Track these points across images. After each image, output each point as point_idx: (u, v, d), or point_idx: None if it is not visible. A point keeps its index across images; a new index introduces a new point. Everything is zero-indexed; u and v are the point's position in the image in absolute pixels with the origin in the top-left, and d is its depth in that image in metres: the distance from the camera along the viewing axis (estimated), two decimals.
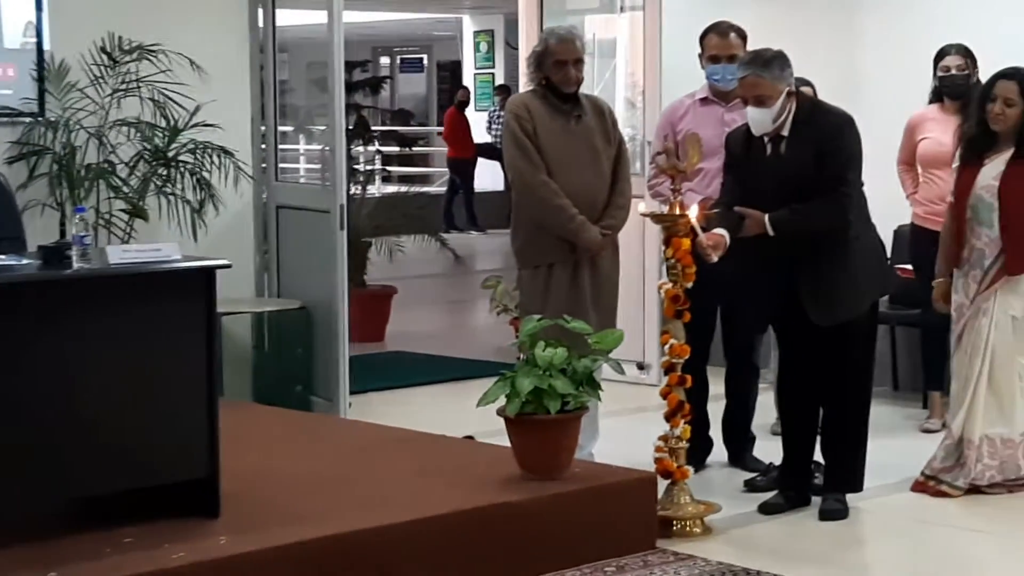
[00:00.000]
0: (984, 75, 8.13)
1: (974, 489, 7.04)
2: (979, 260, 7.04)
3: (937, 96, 8.44)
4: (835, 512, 6.74)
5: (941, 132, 8.26)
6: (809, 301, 6.64)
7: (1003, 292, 6.98)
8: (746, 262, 6.73)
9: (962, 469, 7.04)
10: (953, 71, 8.27)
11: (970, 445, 7.03)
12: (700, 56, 7.59)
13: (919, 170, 8.43)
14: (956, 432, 7.11)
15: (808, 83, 8.14)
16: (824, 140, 6.61)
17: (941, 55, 8.32)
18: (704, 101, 7.58)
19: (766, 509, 6.81)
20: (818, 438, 6.91)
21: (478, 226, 21.56)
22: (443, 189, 24.07)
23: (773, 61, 6.60)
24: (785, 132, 6.64)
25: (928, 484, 7.12)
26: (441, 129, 29.10)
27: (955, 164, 7.23)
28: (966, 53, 8.28)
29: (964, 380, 7.11)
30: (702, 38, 7.59)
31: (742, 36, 7.53)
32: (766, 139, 6.68)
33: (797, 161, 6.60)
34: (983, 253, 7.01)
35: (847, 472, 6.83)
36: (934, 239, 8.18)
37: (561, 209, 7.03)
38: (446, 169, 26.42)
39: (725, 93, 7.51)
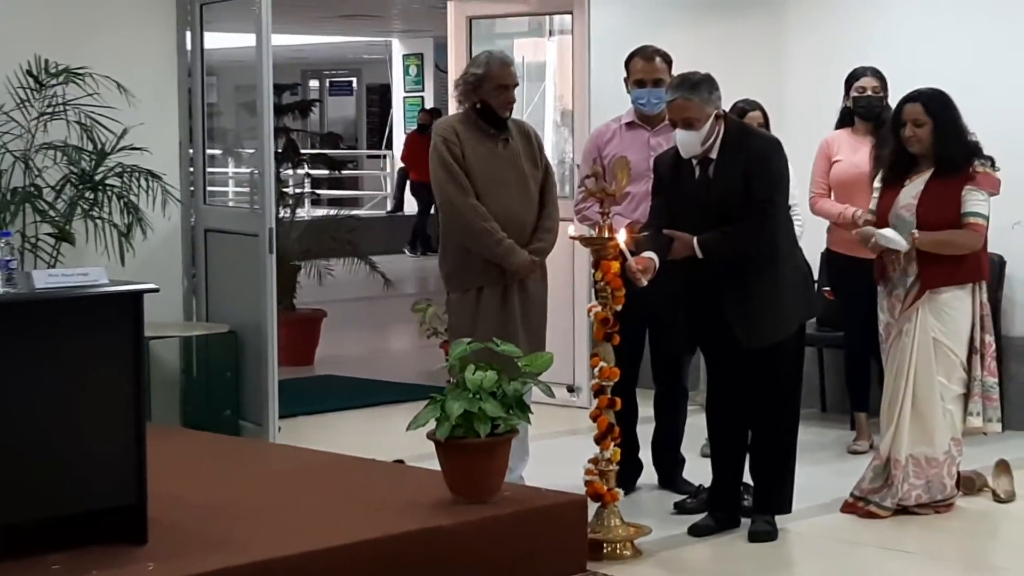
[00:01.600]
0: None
1: (902, 510, 7.08)
2: (901, 280, 7.10)
3: (846, 119, 8.51)
4: (764, 534, 6.76)
5: (853, 154, 8.34)
6: (736, 323, 6.68)
7: (923, 312, 7.03)
8: (673, 284, 6.75)
9: (890, 489, 7.08)
10: (869, 92, 8.35)
11: (896, 465, 7.07)
12: (626, 80, 7.62)
13: (831, 195, 8.47)
14: (884, 452, 7.16)
15: (758, 106, 8.21)
16: (752, 163, 6.64)
17: (855, 77, 8.39)
18: (630, 125, 7.60)
19: (696, 531, 6.83)
20: (747, 460, 6.95)
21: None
22: (375, 212, 24.07)
23: (701, 84, 6.63)
24: (713, 155, 6.67)
25: (857, 505, 7.16)
26: (370, 152, 29.16)
27: (876, 186, 7.30)
28: (879, 75, 8.38)
29: (890, 400, 7.17)
30: (627, 62, 7.61)
31: (667, 60, 7.55)
32: (694, 162, 6.71)
33: (725, 184, 6.64)
34: (905, 272, 7.08)
35: (776, 494, 6.86)
36: (847, 264, 8.28)
37: (488, 233, 7.04)
38: (376, 192, 26.47)
39: (651, 117, 7.54)
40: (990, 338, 7.12)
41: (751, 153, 6.68)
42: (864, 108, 8.35)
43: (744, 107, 8.24)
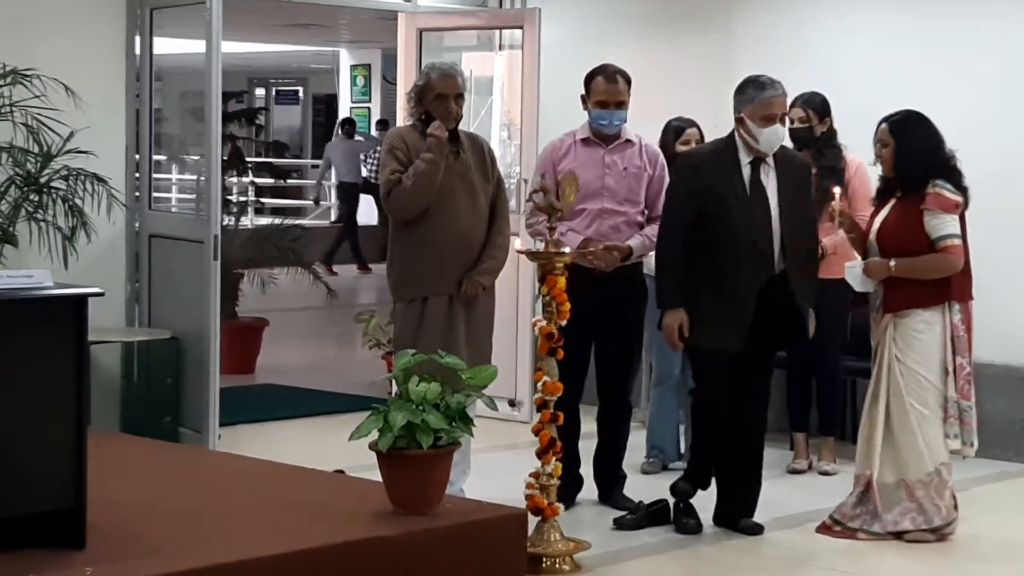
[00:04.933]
0: (855, 123, 8.32)
1: (894, 535, 7.02)
2: (874, 300, 7.16)
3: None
4: (759, 526, 7.14)
5: None
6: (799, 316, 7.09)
7: (890, 336, 7.05)
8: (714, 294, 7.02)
9: (876, 515, 7.04)
10: (795, 123, 8.42)
11: (877, 489, 7.04)
12: (584, 98, 7.61)
13: None
14: (862, 478, 7.12)
15: (694, 124, 8.27)
16: (802, 177, 7.21)
17: (791, 107, 8.43)
18: (586, 142, 7.61)
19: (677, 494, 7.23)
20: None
21: None
22: (319, 222, 24.01)
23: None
24: (768, 159, 7.07)
25: (833, 528, 7.13)
26: (315, 162, 29.08)
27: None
28: (809, 104, 8.41)
29: (866, 424, 7.17)
30: (588, 81, 7.59)
31: (628, 81, 7.56)
32: (745, 161, 7.05)
33: (785, 186, 7.07)
34: (877, 295, 7.13)
35: (756, 494, 7.26)
36: None
37: (415, 176, 7.01)
38: (321, 202, 26.39)
39: (607, 135, 7.56)
40: (963, 360, 7.02)
41: (799, 169, 7.19)
42: (793, 139, 8.41)
43: (680, 125, 8.32)
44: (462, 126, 7.36)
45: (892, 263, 6.99)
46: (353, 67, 26.48)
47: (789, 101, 8.34)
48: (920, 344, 7.01)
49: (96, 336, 7.47)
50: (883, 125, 7.12)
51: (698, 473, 7.25)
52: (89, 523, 5.40)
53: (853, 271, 7.15)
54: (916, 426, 7.01)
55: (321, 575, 5.50)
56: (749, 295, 6.96)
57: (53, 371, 5.33)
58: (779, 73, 9.22)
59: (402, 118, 8.39)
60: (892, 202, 7.11)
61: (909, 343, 7.02)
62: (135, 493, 6.31)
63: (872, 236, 7.13)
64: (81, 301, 5.38)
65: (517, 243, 6.98)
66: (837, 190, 7.34)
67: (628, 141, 7.62)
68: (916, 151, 7.03)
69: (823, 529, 7.18)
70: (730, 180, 6.99)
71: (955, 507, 7.15)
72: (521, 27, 9.98)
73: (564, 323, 6.58)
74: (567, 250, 6.66)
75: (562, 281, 6.57)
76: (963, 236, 7.03)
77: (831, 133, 8.49)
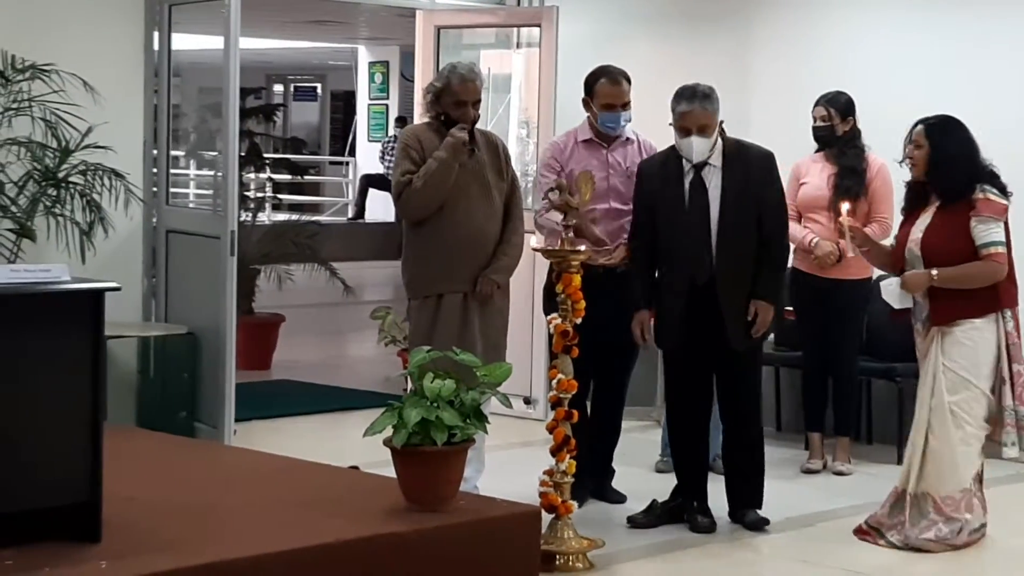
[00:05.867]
0: (874, 122, 8.31)
1: (913, 548, 6.90)
2: (919, 312, 7.02)
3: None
4: (763, 521, 7.19)
5: (818, 178, 8.43)
6: (732, 323, 7.07)
7: (938, 346, 6.90)
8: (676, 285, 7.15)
9: (903, 527, 6.94)
10: (818, 122, 8.43)
11: (910, 501, 6.93)
12: (587, 99, 7.59)
13: (799, 215, 8.54)
14: (899, 485, 7.03)
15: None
16: (757, 170, 7.25)
17: (815, 105, 8.47)
18: (588, 143, 7.60)
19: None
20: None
21: None
22: (336, 219, 24.04)
23: (712, 95, 7.20)
24: (714, 161, 7.13)
25: (868, 532, 7.04)
26: (333, 158, 29.12)
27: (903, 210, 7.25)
28: (832, 104, 8.40)
29: (913, 434, 7.04)
30: (591, 83, 7.58)
31: (629, 81, 7.57)
32: (687, 166, 7.12)
33: (726, 185, 7.11)
34: (922, 306, 6.99)
35: (758, 487, 7.31)
36: (811, 284, 8.35)
37: (428, 174, 7.03)
38: (337, 199, 26.42)
39: (610, 136, 7.55)
40: (1020, 367, 6.88)
41: (756, 160, 7.19)
42: (815, 138, 8.43)
43: None
44: (479, 123, 7.37)
45: (935, 272, 6.84)
46: (371, 64, 26.49)
47: (813, 100, 8.41)
48: (972, 353, 6.86)
49: (113, 331, 7.49)
50: (919, 127, 6.98)
51: (681, 478, 7.32)
52: (104, 517, 5.41)
53: (890, 288, 7.00)
54: (954, 435, 6.86)
55: (335, 571, 5.51)
56: (680, 296, 7.13)
57: (70, 365, 5.34)
58: (796, 72, 9.31)
59: (419, 114, 8.39)
60: (931, 210, 6.97)
61: (959, 350, 6.86)
62: (150, 488, 6.33)
63: (914, 246, 6.95)
64: (98, 296, 5.40)
65: (533, 241, 6.99)
66: (846, 207, 7.31)
67: (628, 140, 7.63)
68: (952, 157, 6.89)
69: (859, 532, 7.06)
70: (670, 187, 7.16)
71: (984, 513, 7.02)
72: (539, 25, 9.99)
73: (579, 321, 6.60)
74: (583, 248, 6.67)
75: (577, 279, 6.58)
76: (1008, 242, 6.91)
77: (854, 133, 8.46)
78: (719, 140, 7.15)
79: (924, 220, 6.98)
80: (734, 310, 7.06)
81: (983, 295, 6.87)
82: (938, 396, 6.91)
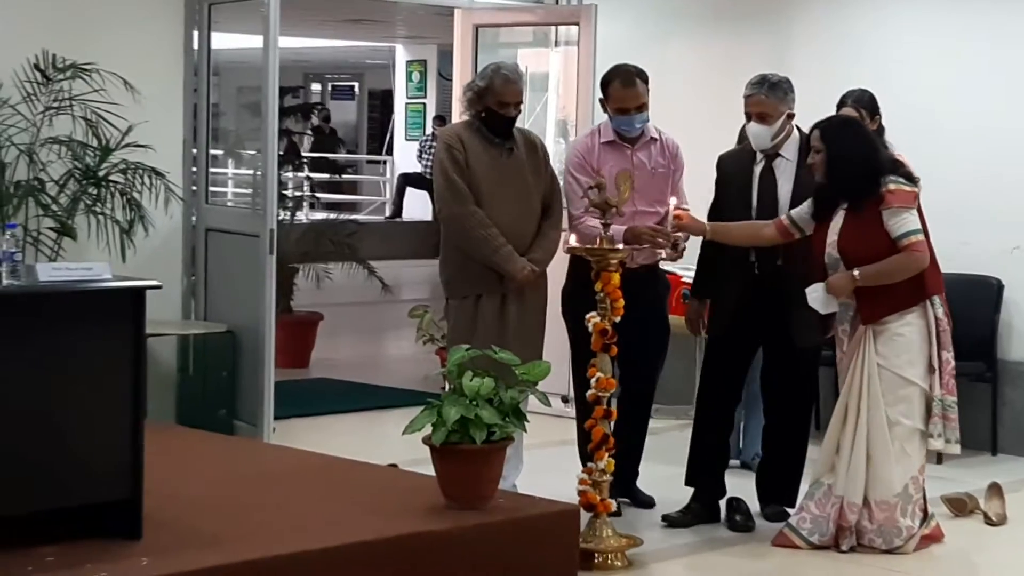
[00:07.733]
0: (906, 120, 8.28)
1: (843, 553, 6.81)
2: (843, 314, 6.90)
3: None
4: (784, 513, 7.18)
5: None
6: (796, 324, 7.09)
7: (870, 344, 6.78)
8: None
9: (827, 530, 6.83)
10: None
11: (848, 507, 6.80)
12: (603, 101, 7.45)
13: None
14: (823, 479, 6.91)
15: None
16: None
17: (841, 103, 8.34)
18: (611, 144, 7.42)
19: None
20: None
21: None
22: (374, 217, 24.08)
23: (778, 85, 7.28)
24: (785, 153, 7.20)
25: (791, 539, 6.89)
26: (370, 157, 29.17)
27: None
28: (859, 102, 8.27)
29: (836, 436, 6.88)
30: (605, 85, 7.42)
31: (645, 80, 7.36)
32: (759, 156, 7.20)
33: (797, 178, 7.14)
34: (846, 307, 6.87)
35: (794, 486, 7.31)
36: None
37: (486, 240, 7.06)
38: (375, 197, 26.47)
39: (632, 136, 7.44)
40: (948, 355, 6.80)
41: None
42: None
43: None
44: (517, 122, 7.36)
45: (857, 273, 6.73)
46: (409, 63, 26.53)
47: (842, 96, 8.38)
48: (905, 347, 6.76)
49: (153, 329, 7.52)
50: (815, 131, 6.90)
51: (694, 466, 7.33)
52: (145, 514, 5.45)
53: (815, 294, 6.83)
54: (892, 442, 6.75)
55: (374, 568, 5.53)
56: (738, 285, 7.17)
57: (111, 363, 5.38)
58: (835, 71, 9.27)
59: (458, 112, 8.40)
60: (841, 212, 6.82)
61: (893, 346, 6.76)
62: (191, 485, 6.36)
63: (832, 249, 6.82)
64: (139, 294, 5.43)
65: (571, 240, 6.98)
66: (673, 201, 7.25)
67: (652, 139, 7.46)
68: (850, 157, 6.77)
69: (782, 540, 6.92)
70: (740, 176, 7.23)
71: (924, 518, 6.90)
72: (577, 24, 9.99)
73: (618, 319, 6.59)
74: (621, 246, 6.68)
75: (616, 277, 6.58)
76: (924, 228, 6.80)
77: (879, 131, 8.43)
78: (794, 132, 7.16)
79: (837, 223, 6.84)
80: (797, 304, 6.91)
81: (909, 286, 6.76)
82: (875, 408, 6.78)
